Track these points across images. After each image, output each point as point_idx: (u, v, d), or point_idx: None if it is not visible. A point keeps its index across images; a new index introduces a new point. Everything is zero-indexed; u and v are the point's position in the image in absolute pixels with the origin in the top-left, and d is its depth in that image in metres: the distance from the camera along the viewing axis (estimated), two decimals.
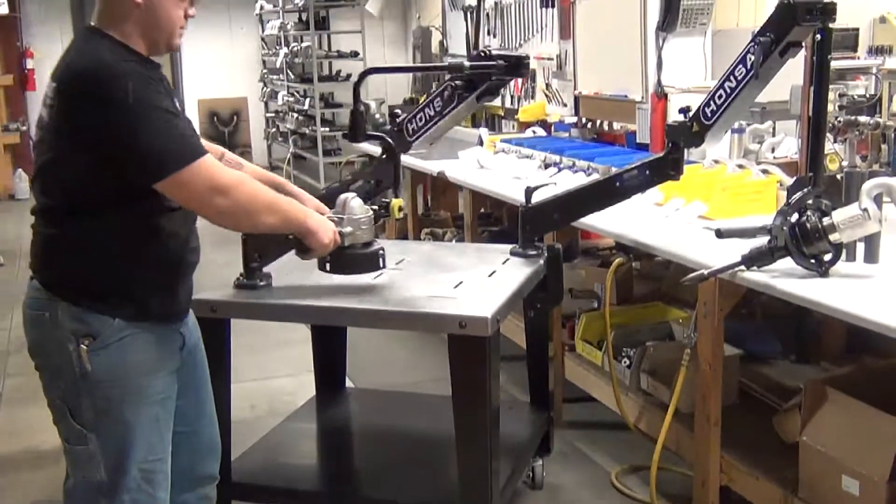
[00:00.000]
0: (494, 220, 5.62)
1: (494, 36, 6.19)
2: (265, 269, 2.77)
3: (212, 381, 2.76)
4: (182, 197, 2.10)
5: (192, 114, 11.58)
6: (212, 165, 2.11)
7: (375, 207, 2.59)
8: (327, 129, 9.77)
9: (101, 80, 2.00)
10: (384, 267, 2.61)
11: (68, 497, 2.25)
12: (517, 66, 3.17)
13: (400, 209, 2.61)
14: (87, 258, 2.13)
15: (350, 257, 2.54)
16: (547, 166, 4.34)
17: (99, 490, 2.19)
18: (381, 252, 2.59)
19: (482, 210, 5.30)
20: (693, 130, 2.95)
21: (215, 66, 11.88)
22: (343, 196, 2.53)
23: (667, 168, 3.00)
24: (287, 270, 2.93)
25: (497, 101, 6.23)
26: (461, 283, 2.77)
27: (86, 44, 2.12)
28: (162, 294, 2.23)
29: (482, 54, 3.19)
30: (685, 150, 3.00)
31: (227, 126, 12.02)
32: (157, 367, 2.22)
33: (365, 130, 3.09)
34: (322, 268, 2.58)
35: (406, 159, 5.58)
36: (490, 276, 2.87)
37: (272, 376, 4.66)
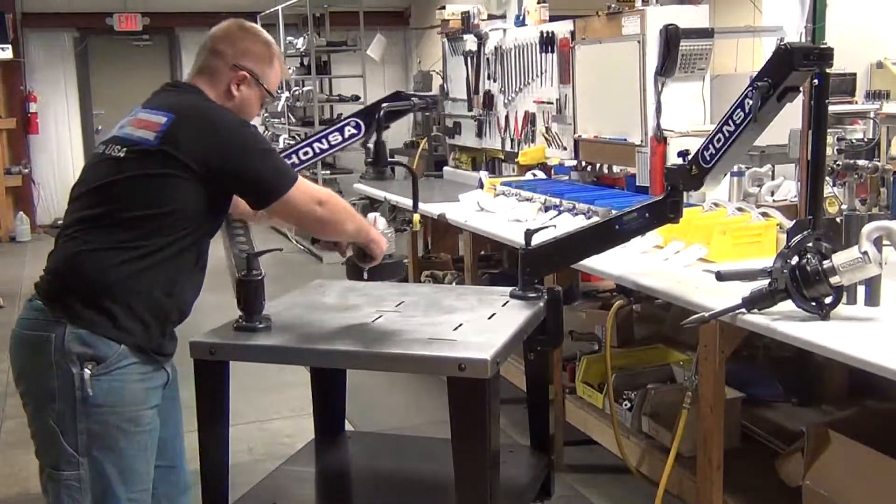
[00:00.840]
0: (495, 263, 5.63)
1: (495, 80, 6.24)
2: (265, 312, 2.76)
3: (210, 424, 2.75)
4: (291, 212, 2.44)
5: None
6: (308, 183, 2.45)
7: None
8: (328, 171, 9.81)
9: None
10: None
11: None
12: (431, 105, 3.46)
13: (420, 222, 2.82)
14: (124, 278, 2.23)
15: (387, 266, 2.79)
16: (547, 209, 4.35)
17: None
18: (404, 261, 2.85)
19: (482, 252, 5.31)
20: (692, 174, 2.97)
21: None
22: (371, 214, 2.78)
23: (666, 211, 3.01)
24: (289, 313, 2.92)
25: (497, 145, 6.29)
26: (461, 325, 2.77)
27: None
28: (170, 327, 2.37)
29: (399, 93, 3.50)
30: (684, 193, 3.02)
31: None
32: (149, 399, 2.31)
33: (386, 158, 3.40)
34: (358, 276, 2.81)
35: (406, 201, 5.62)
36: (490, 318, 2.86)
37: (271, 418, 4.64)
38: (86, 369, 2.16)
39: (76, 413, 2.18)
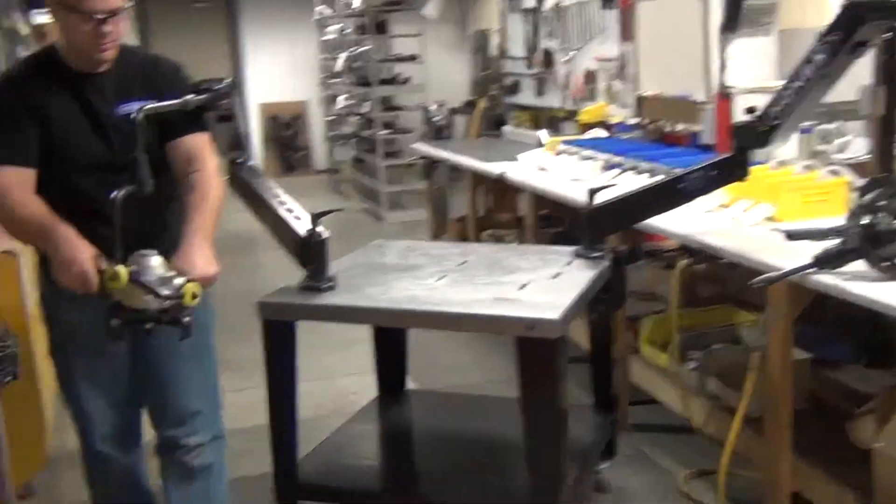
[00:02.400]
0: (556, 222, 5.59)
1: (554, 38, 6.17)
2: (331, 272, 2.78)
3: (279, 383, 2.81)
4: None
5: (255, 118, 11.76)
6: None
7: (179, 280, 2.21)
8: (387, 132, 9.81)
9: None
10: (109, 336, 2.24)
11: None
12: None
13: (193, 295, 2.20)
14: None
15: (106, 317, 2.22)
16: (609, 168, 4.31)
17: None
18: (115, 323, 2.21)
19: (543, 212, 5.28)
20: (760, 131, 2.91)
21: (276, 71, 12.02)
22: (144, 252, 2.23)
23: (733, 169, 2.96)
24: (352, 273, 2.95)
25: (557, 103, 6.23)
26: (526, 284, 2.77)
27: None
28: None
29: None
30: (752, 151, 2.96)
31: (288, 130, 12.15)
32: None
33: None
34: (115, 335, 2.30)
35: (466, 161, 5.61)
36: (555, 277, 2.86)
37: (336, 376, 4.70)
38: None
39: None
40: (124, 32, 2.41)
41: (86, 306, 2.33)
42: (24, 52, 6.25)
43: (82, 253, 2.21)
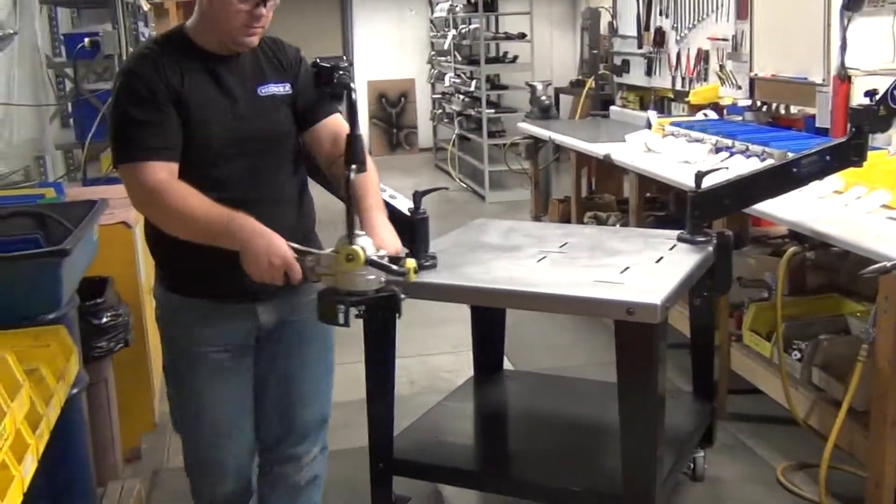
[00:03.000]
0: (660, 205, 5.50)
1: (666, 16, 6.05)
2: (432, 250, 2.81)
3: (376, 360, 2.85)
4: (126, 189, 2.23)
5: (362, 95, 11.89)
6: (145, 172, 2.12)
7: (389, 256, 2.09)
8: (493, 110, 9.79)
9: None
10: (345, 324, 2.05)
11: None
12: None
13: (415, 270, 2.10)
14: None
15: (319, 300, 2.08)
16: (718, 150, 4.22)
17: None
18: (343, 308, 2.02)
19: (648, 194, 5.20)
20: (879, 114, 2.82)
21: (385, 48, 12.12)
22: (356, 231, 2.09)
23: (849, 154, 2.87)
24: (453, 251, 2.97)
25: (667, 84, 6.11)
26: (628, 268, 2.74)
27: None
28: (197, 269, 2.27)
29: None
30: (870, 136, 2.85)
31: (394, 107, 12.25)
32: (208, 339, 2.34)
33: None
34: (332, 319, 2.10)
35: (571, 141, 5.57)
36: (657, 262, 2.82)
37: (432, 353, 4.75)
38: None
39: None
40: (270, 15, 2.26)
41: (218, 319, 2.31)
42: (144, 28, 6.47)
43: (278, 240, 2.06)
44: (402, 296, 2.08)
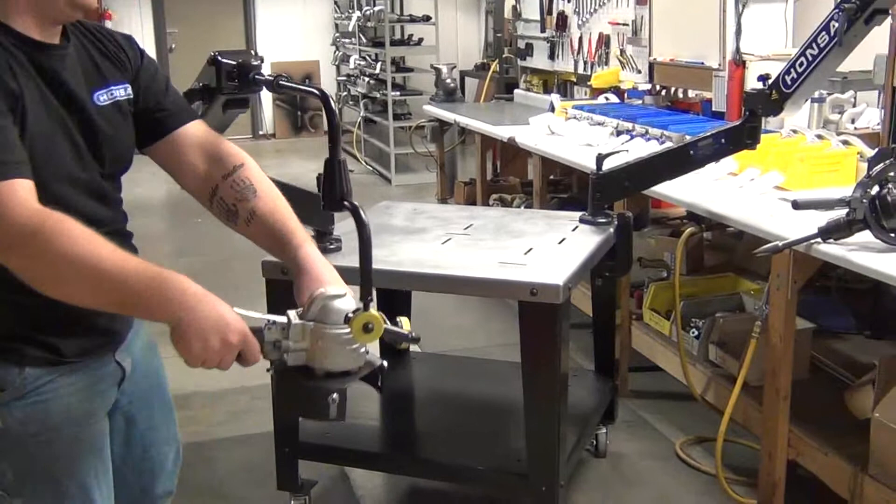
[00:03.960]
0: (563, 187, 5.58)
1: (569, 0, 6.11)
2: (336, 233, 2.78)
3: None
4: None
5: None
6: (14, 199, 1.40)
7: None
8: (398, 93, 9.76)
9: None
10: (339, 417, 1.58)
11: None
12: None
13: (410, 333, 1.61)
14: None
15: (293, 388, 1.60)
16: (619, 133, 4.29)
17: None
18: (336, 397, 1.55)
19: (551, 177, 5.27)
20: (772, 98, 2.89)
21: (288, 28, 11.94)
22: (320, 291, 1.58)
23: (743, 137, 2.95)
24: (356, 234, 2.94)
25: (570, 67, 6.18)
26: (531, 249, 2.77)
27: None
28: (76, 328, 1.64)
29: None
30: (763, 119, 2.94)
31: None
32: (90, 412, 1.70)
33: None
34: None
35: (476, 124, 5.59)
36: (560, 243, 2.86)
37: None
38: None
39: None
40: None
41: (79, 382, 1.68)
42: None
43: (227, 307, 1.49)
44: (385, 363, 1.60)
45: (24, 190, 1.41)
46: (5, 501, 1.67)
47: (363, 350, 1.55)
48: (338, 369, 1.54)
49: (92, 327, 1.67)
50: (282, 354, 1.54)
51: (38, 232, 1.39)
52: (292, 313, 1.54)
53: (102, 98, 1.65)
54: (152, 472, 1.97)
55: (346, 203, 1.61)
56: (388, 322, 1.55)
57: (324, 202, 1.64)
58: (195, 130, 1.79)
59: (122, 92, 1.70)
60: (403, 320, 1.62)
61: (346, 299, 1.55)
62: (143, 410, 1.89)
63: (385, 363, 1.59)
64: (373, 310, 1.50)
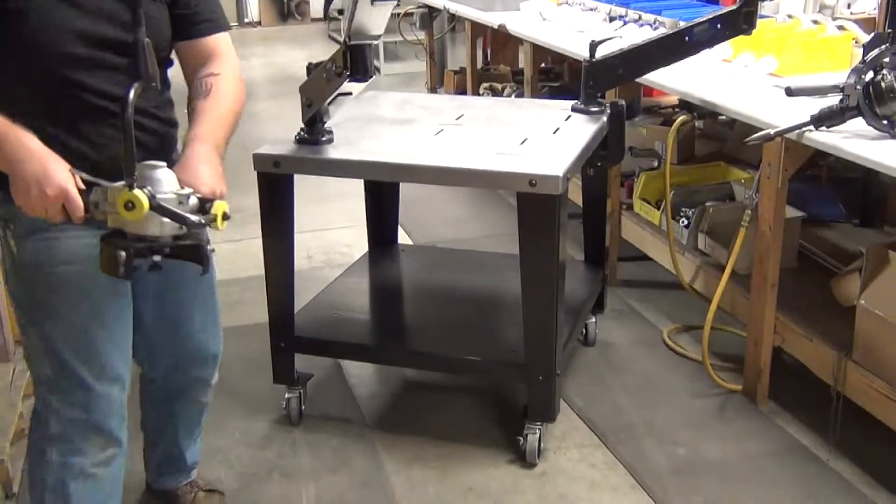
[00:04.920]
0: (555, 76, 5.51)
1: None
2: (327, 125, 2.75)
3: (274, 235, 2.80)
4: None
5: None
6: None
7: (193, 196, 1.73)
8: None
9: None
10: (126, 276, 1.72)
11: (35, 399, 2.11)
12: None
13: (225, 217, 1.73)
14: None
15: (102, 246, 1.72)
16: (612, 20, 4.21)
17: (48, 388, 2.02)
18: (123, 256, 1.69)
19: (543, 65, 5.18)
20: None
21: None
22: (150, 163, 1.72)
23: (739, 22, 2.89)
24: (347, 125, 2.92)
25: None
26: (526, 140, 2.74)
27: None
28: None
29: None
30: (759, 4, 2.88)
31: None
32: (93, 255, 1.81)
33: None
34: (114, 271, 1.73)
35: (465, 10, 5.47)
36: (555, 132, 2.83)
37: (328, 227, 4.73)
38: (8, 230, 1.90)
39: (16, 276, 1.96)
40: None
41: (68, 236, 1.88)
42: None
43: (58, 165, 1.69)
44: (211, 248, 1.76)
45: None
46: (24, 329, 2.00)
47: (167, 221, 1.68)
48: (143, 234, 1.68)
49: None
50: (104, 216, 1.70)
51: None
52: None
53: None
54: (183, 356, 2.26)
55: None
56: (183, 197, 1.70)
57: None
58: (210, 41, 2.03)
59: None
60: (218, 205, 1.72)
61: (163, 173, 1.71)
62: (172, 284, 2.12)
63: (209, 245, 1.75)
64: (138, 192, 1.64)
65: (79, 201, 1.68)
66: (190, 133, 1.92)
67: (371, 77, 2.48)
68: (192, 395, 2.39)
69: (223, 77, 2.01)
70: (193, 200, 1.72)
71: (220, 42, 2.06)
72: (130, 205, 1.64)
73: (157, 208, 1.66)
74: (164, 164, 1.74)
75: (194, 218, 1.69)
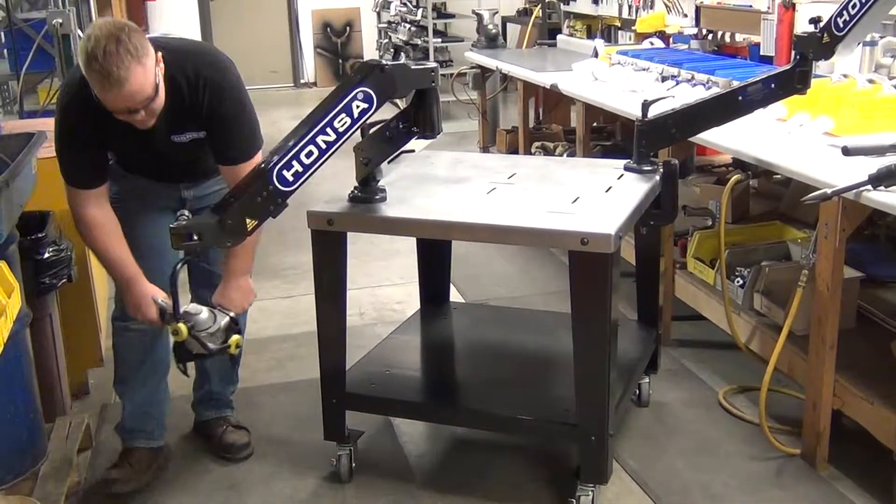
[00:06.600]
0: (607, 135, 5.53)
1: None
2: (380, 184, 2.78)
3: (328, 292, 2.83)
4: None
5: (306, 25, 11.64)
6: (76, 197, 2.69)
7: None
8: (439, 40, 9.66)
9: None
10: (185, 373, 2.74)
11: None
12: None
13: (237, 346, 2.68)
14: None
15: (176, 354, 2.68)
16: (664, 79, 4.22)
17: None
18: (185, 365, 2.69)
19: (595, 124, 5.21)
20: (823, 42, 2.83)
21: None
22: (194, 305, 2.67)
23: (793, 81, 2.89)
24: (400, 184, 2.95)
25: (614, 12, 6.09)
26: (578, 198, 2.75)
27: None
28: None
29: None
30: (813, 63, 2.87)
31: (339, 37, 12.03)
32: (145, 200, 2.88)
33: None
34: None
35: (518, 71, 5.54)
36: (607, 191, 2.83)
37: (380, 285, 4.75)
38: None
39: None
40: (160, 104, 2.50)
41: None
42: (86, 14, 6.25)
43: (147, 300, 2.70)
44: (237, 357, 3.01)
45: (86, 197, 2.70)
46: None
47: (209, 344, 2.62)
48: (192, 350, 2.63)
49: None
50: (176, 330, 2.60)
51: (86, 224, 2.73)
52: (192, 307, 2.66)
53: (177, 138, 2.71)
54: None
55: None
56: (200, 337, 2.61)
57: None
58: (234, 170, 2.69)
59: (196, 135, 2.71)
60: (234, 338, 2.66)
61: (203, 315, 2.64)
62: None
63: (198, 353, 2.64)
64: (181, 325, 2.57)
65: (158, 323, 2.72)
66: (225, 269, 2.80)
67: (438, 133, 2.66)
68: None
69: None
70: (225, 320, 2.66)
71: (243, 170, 2.63)
72: (177, 331, 2.59)
73: (194, 337, 2.60)
74: (204, 308, 2.65)
75: (213, 346, 2.62)
